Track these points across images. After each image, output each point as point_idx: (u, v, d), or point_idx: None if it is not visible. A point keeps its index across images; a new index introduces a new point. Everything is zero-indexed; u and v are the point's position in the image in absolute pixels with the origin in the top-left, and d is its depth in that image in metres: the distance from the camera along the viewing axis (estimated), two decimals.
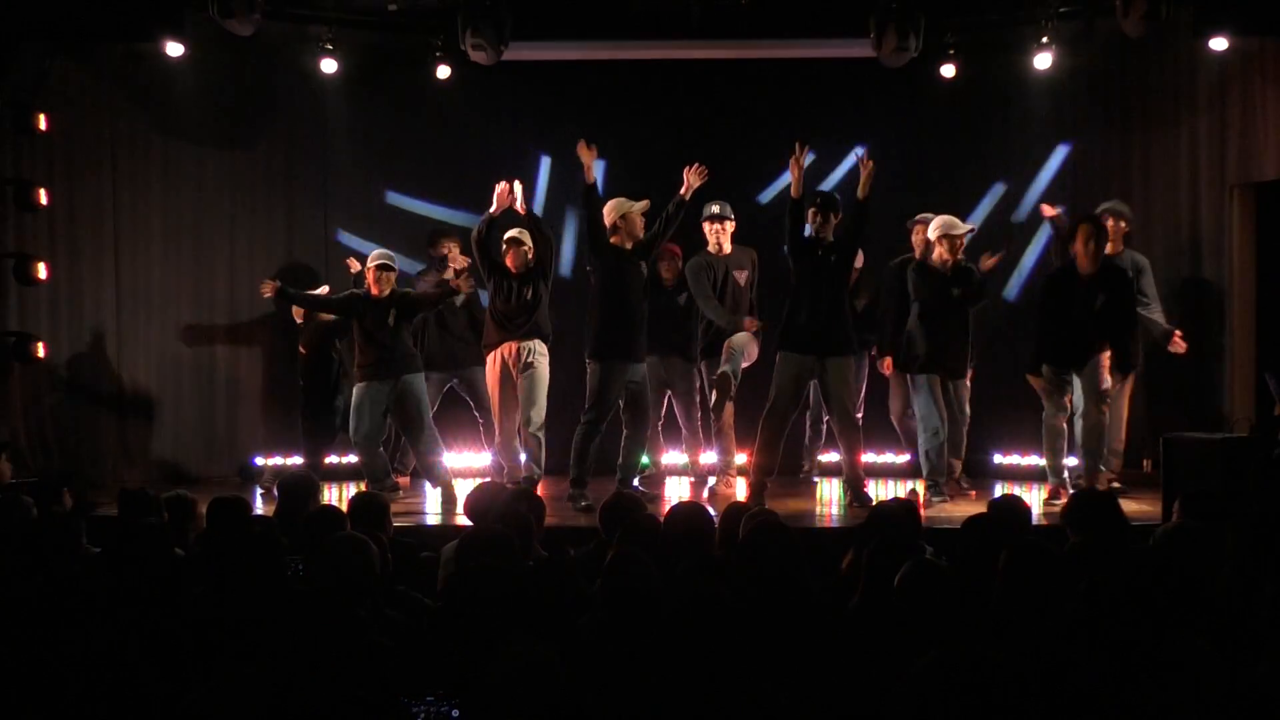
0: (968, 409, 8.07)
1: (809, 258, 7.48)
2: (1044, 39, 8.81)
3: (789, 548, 4.53)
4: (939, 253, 7.71)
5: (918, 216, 8.29)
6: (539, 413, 7.81)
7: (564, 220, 9.52)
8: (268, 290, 8.08)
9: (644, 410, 7.78)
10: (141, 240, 9.29)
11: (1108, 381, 7.48)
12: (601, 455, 7.86)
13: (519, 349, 7.80)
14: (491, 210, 7.82)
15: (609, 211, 7.69)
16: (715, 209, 8.01)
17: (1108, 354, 7.46)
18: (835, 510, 7.76)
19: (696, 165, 7.65)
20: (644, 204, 7.75)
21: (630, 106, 9.79)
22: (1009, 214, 9.35)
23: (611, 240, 7.66)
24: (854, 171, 7.74)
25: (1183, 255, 8.96)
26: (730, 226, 8.06)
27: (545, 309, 7.88)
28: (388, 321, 7.92)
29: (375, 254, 8.07)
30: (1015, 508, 5.35)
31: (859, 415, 7.88)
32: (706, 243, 8.15)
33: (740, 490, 8.01)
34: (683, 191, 7.64)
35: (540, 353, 7.83)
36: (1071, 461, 7.78)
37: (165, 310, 9.36)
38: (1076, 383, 7.53)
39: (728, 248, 8.05)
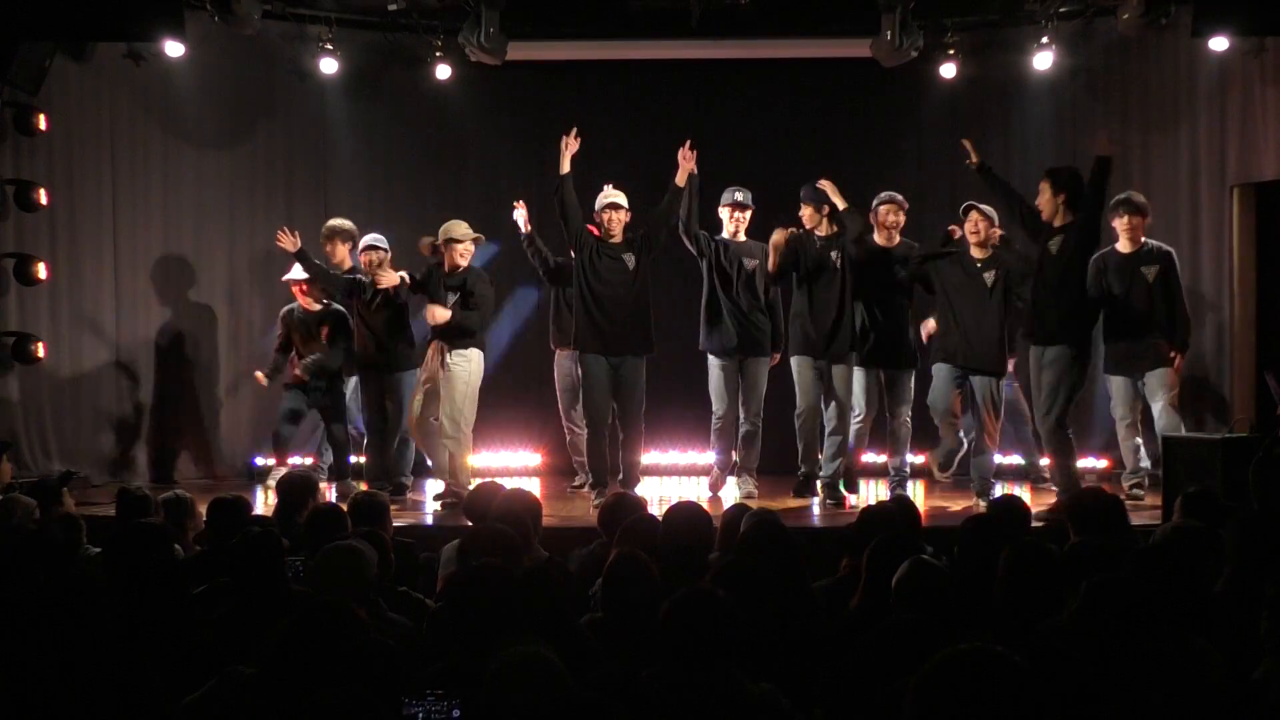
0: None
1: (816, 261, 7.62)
2: (1044, 39, 8.83)
3: (787, 546, 4.53)
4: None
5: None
6: (450, 419, 7.70)
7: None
8: (288, 242, 8.00)
9: (629, 407, 7.73)
10: (141, 240, 9.28)
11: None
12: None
13: (444, 351, 7.72)
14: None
15: (599, 200, 7.74)
16: (739, 196, 7.88)
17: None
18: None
19: (687, 146, 7.60)
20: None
21: (630, 106, 9.80)
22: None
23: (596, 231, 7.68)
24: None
25: (1183, 255, 8.94)
26: (748, 215, 7.93)
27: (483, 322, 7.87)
28: (372, 307, 7.99)
29: (366, 237, 8.20)
30: (1015, 508, 5.36)
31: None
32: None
33: (731, 489, 7.94)
34: (677, 179, 7.59)
35: (461, 359, 7.71)
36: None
37: (165, 310, 9.36)
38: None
39: (742, 236, 7.93)
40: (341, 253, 8.33)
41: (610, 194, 7.77)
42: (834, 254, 7.57)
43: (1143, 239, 7.84)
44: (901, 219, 7.81)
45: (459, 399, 7.66)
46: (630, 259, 7.68)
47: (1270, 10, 7.68)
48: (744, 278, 7.84)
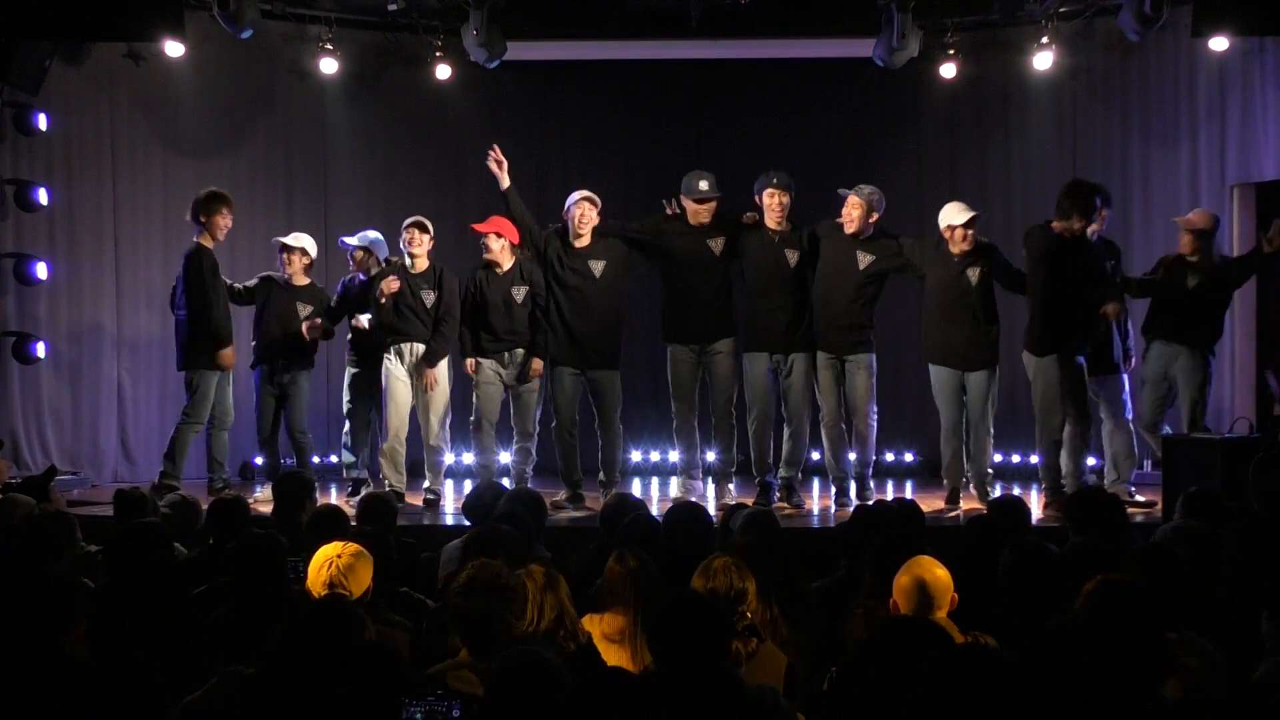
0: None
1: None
2: (1044, 39, 8.82)
3: (776, 540, 4.54)
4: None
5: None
6: (435, 423, 7.65)
7: None
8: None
9: (605, 415, 7.64)
10: (141, 240, 9.28)
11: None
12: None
13: (414, 349, 7.64)
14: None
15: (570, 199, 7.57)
16: (704, 186, 7.51)
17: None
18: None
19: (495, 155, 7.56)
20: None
21: (630, 106, 9.80)
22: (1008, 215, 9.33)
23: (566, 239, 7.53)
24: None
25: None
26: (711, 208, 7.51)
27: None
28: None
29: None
30: (1015, 508, 5.36)
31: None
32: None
33: (697, 489, 7.75)
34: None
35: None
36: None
37: (165, 310, 9.32)
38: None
39: (698, 219, 7.51)
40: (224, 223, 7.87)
41: (583, 193, 7.57)
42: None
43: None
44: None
45: (441, 402, 7.74)
46: (598, 265, 7.54)
47: (1270, 10, 7.67)
48: (707, 260, 7.57)
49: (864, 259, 7.45)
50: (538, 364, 7.55)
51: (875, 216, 7.43)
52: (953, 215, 7.32)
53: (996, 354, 7.40)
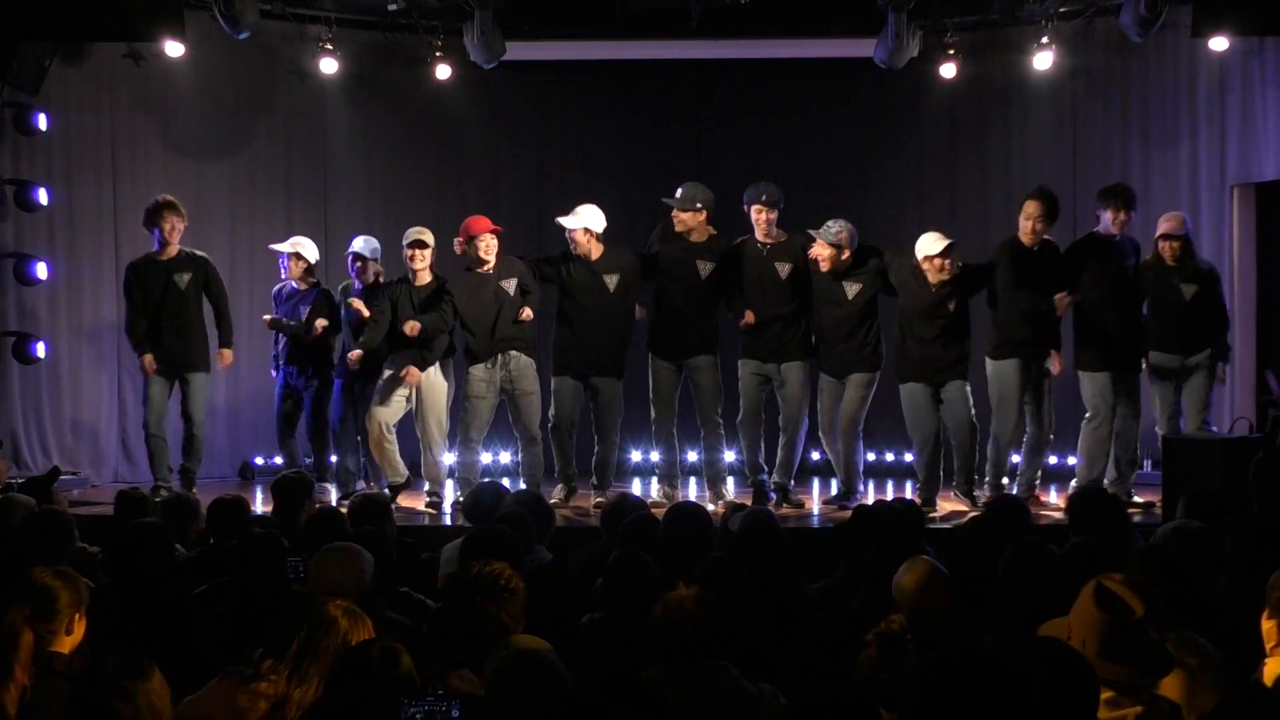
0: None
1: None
2: (1044, 39, 8.82)
3: (778, 542, 4.54)
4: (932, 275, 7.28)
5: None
6: (434, 428, 7.56)
7: None
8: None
9: (604, 415, 7.59)
10: (141, 240, 9.24)
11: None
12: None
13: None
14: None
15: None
16: (679, 194, 7.50)
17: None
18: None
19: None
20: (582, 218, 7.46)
21: (630, 106, 9.81)
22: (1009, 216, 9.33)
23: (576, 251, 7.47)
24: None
25: None
26: (696, 217, 7.46)
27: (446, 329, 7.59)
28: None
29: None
30: (1015, 508, 5.37)
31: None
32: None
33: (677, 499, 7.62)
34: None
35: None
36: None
37: None
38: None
39: (697, 235, 7.51)
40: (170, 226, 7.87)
41: (580, 214, 7.45)
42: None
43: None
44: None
45: (438, 407, 7.62)
46: (612, 279, 7.48)
47: (1270, 10, 7.69)
48: (693, 282, 7.56)
49: (851, 289, 7.44)
50: (527, 313, 7.44)
51: (847, 254, 7.36)
52: (929, 246, 7.28)
53: (968, 365, 7.44)
